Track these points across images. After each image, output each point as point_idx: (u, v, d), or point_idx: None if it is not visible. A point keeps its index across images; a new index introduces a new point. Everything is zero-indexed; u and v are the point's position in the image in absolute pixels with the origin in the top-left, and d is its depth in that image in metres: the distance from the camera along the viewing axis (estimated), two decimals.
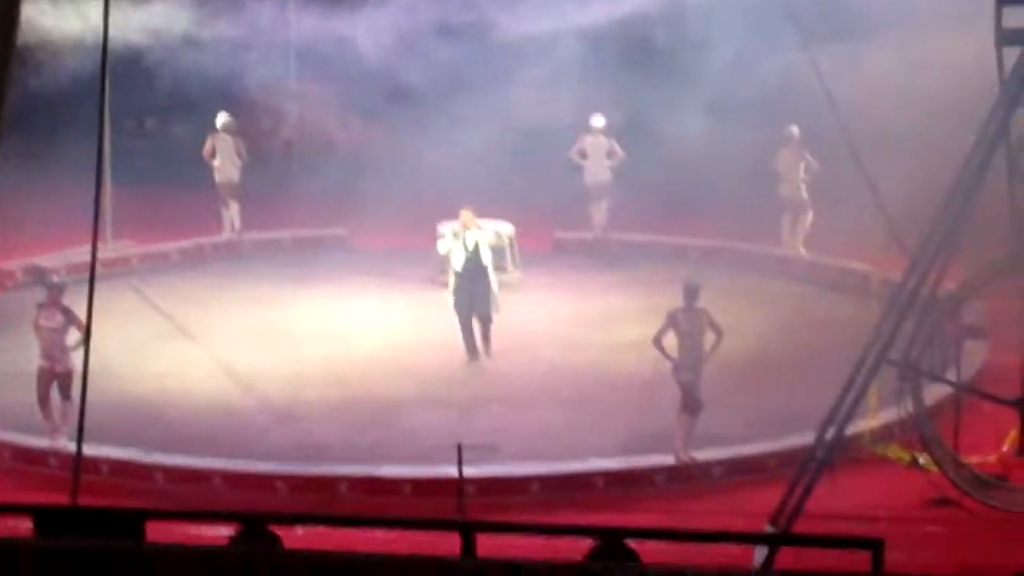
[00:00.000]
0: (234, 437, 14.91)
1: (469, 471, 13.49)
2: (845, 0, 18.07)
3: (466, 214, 17.24)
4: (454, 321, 17.32)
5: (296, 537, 9.51)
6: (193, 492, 13.67)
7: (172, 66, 22.06)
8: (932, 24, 16.37)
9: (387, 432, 15.11)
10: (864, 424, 14.25)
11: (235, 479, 13.81)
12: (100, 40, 19.39)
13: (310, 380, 16.62)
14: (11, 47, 7.31)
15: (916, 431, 13.75)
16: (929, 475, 13.65)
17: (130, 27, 19.83)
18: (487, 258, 17.18)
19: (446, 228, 17.84)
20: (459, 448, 8.64)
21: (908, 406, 13.64)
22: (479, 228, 17.31)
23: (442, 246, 17.55)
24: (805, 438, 13.33)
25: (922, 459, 13.99)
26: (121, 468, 13.99)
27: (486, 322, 17.20)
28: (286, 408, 15.83)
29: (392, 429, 15.20)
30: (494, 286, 17.23)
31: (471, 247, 17.11)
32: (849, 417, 12.66)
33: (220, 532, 9.46)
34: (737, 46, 20.72)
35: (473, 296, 17.05)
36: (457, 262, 17.18)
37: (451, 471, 13.30)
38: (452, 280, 17.44)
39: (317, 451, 14.51)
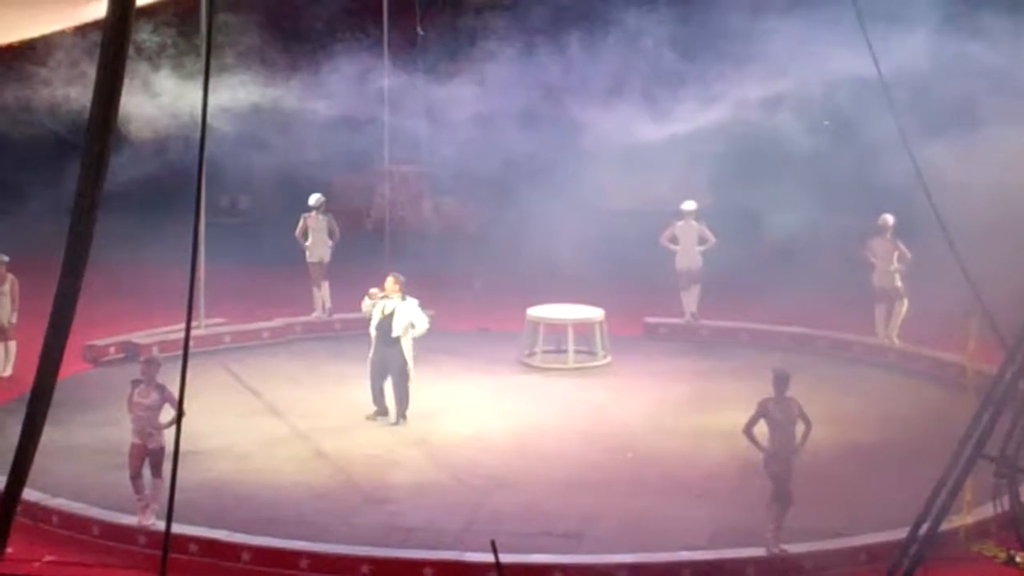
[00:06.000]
0: (321, 518, 14.90)
1: (556, 558, 13.42)
2: (950, 90, 17.95)
3: (389, 281, 17.85)
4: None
5: None
6: (280, 573, 13.65)
7: (261, 145, 22.33)
8: None
9: (475, 516, 15.02)
10: (959, 520, 13.99)
11: (321, 561, 13.77)
12: (176, 120, 19.80)
13: (398, 461, 16.61)
14: (112, 120, 7.38)
15: (1013, 529, 13.44)
16: None
17: (215, 105, 20.09)
18: (400, 326, 17.65)
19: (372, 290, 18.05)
20: (493, 544, 8.67)
21: (1004, 503, 13.35)
22: (403, 297, 17.76)
23: (365, 305, 17.95)
24: (898, 533, 13.06)
25: (1019, 558, 13.73)
26: (209, 547, 14.01)
27: (395, 385, 17.76)
28: (373, 489, 15.81)
29: (480, 513, 15.12)
30: (407, 353, 17.67)
31: (387, 312, 17.69)
32: (944, 513, 12.35)
33: None
34: (832, 131, 20.64)
35: (385, 358, 17.68)
36: (373, 325, 17.82)
37: (539, 558, 13.26)
38: (372, 342, 17.95)
39: (404, 534, 14.46)
